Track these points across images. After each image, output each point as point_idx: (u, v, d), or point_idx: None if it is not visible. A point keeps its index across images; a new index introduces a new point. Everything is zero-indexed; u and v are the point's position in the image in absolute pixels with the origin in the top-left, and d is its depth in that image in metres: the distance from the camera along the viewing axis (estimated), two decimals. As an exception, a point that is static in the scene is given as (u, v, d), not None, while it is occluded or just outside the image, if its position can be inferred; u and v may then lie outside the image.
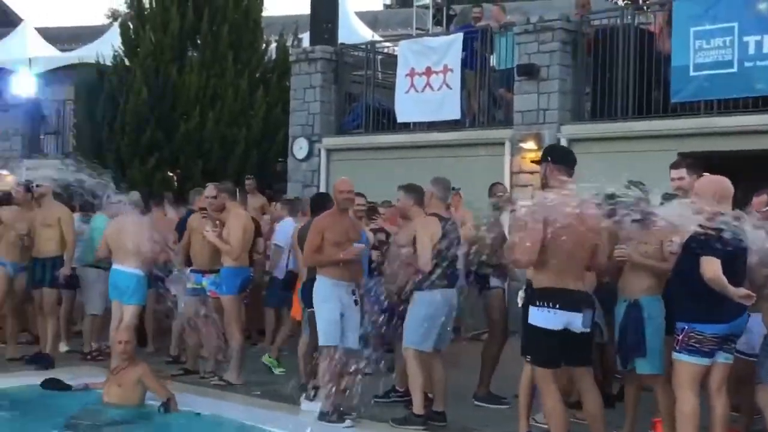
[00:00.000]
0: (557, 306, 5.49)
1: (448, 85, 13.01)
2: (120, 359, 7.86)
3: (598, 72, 11.71)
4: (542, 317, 5.52)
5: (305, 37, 16.29)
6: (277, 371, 9.11)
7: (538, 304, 5.55)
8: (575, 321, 5.51)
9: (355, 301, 7.19)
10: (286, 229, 10.17)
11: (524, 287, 5.71)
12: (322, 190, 13.52)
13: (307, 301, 7.73)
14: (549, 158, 5.87)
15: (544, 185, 5.78)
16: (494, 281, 7.65)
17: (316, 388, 7.32)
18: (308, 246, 7.23)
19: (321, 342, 7.12)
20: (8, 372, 9.01)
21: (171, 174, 15.40)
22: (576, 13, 12.17)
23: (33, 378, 8.58)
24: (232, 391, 8.20)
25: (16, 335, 9.94)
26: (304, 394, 7.58)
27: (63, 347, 10.11)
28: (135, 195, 9.37)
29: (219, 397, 7.97)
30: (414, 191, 7.32)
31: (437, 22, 17.39)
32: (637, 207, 5.19)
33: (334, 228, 7.18)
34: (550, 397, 5.62)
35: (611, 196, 5.18)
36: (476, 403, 7.70)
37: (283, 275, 10.02)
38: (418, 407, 6.89)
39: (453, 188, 10.39)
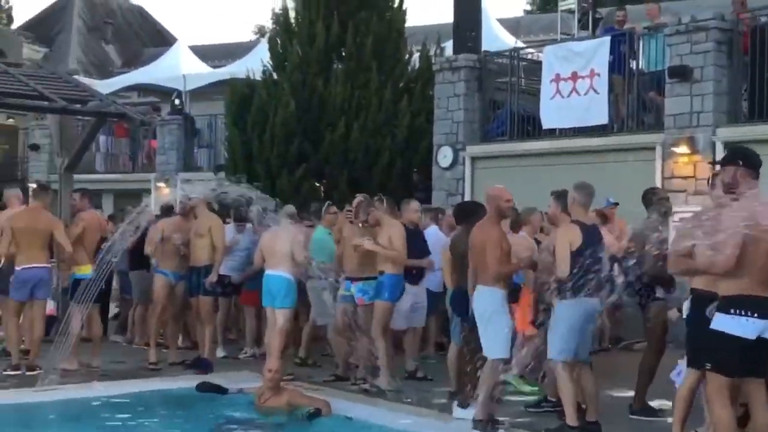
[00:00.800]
0: (755, 315, 5.19)
1: (595, 90, 12.75)
2: (266, 387, 7.99)
3: (756, 72, 11.21)
4: (735, 325, 5.20)
5: (448, 46, 16.31)
6: (528, 389, 8.49)
7: (732, 312, 5.26)
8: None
9: (508, 310, 7.14)
10: (430, 237, 10.22)
11: (689, 297, 5.45)
12: (467, 198, 13.50)
13: (459, 310, 7.73)
14: (740, 161, 5.58)
15: (730, 190, 5.48)
16: (659, 292, 7.38)
17: (469, 396, 7.30)
18: (495, 259, 6.99)
19: (493, 354, 6.98)
20: (169, 375, 9.42)
21: (317, 184, 15.69)
22: (733, 11, 11.69)
23: (192, 381, 8.87)
24: (383, 397, 8.27)
25: (177, 340, 10.38)
26: (456, 402, 7.57)
27: (220, 352, 10.48)
28: (290, 208, 9.62)
29: (370, 404, 8.04)
30: (563, 198, 7.19)
31: (583, 26, 17.09)
32: None
33: (506, 238, 7.14)
34: (719, 405, 5.33)
35: None
36: (632, 416, 7.47)
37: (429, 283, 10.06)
38: (571, 418, 6.75)
39: (609, 201, 10.26)
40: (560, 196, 7.23)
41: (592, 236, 6.81)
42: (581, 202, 7.06)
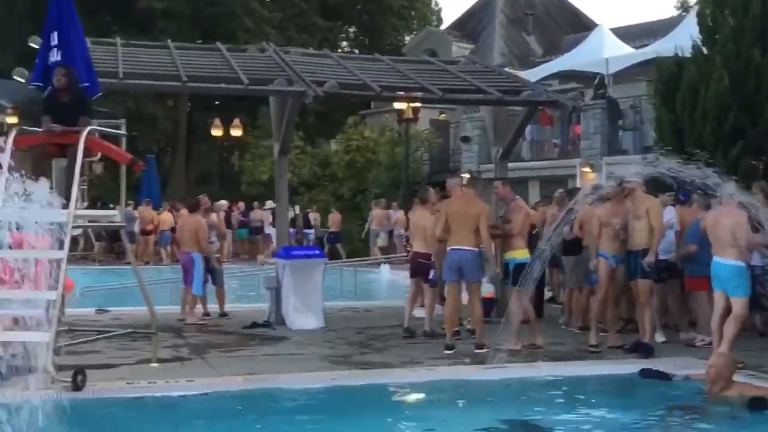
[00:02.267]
0: None
1: None
2: (709, 378, 7.60)
3: None
4: None
5: None
6: None
7: None
8: None
9: None
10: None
11: None
12: None
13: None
14: None
15: None
16: None
17: None
18: None
19: None
20: (610, 359, 9.40)
21: (754, 162, 14.68)
22: None
23: (634, 366, 8.77)
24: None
25: (616, 324, 10.35)
26: None
27: (659, 337, 10.27)
28: (730, 187, 9.16)
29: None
30: None
31: None
32: None
33: None
34: None
35: None
36: None
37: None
38: None
39: None
40: None
41: None
42: None
